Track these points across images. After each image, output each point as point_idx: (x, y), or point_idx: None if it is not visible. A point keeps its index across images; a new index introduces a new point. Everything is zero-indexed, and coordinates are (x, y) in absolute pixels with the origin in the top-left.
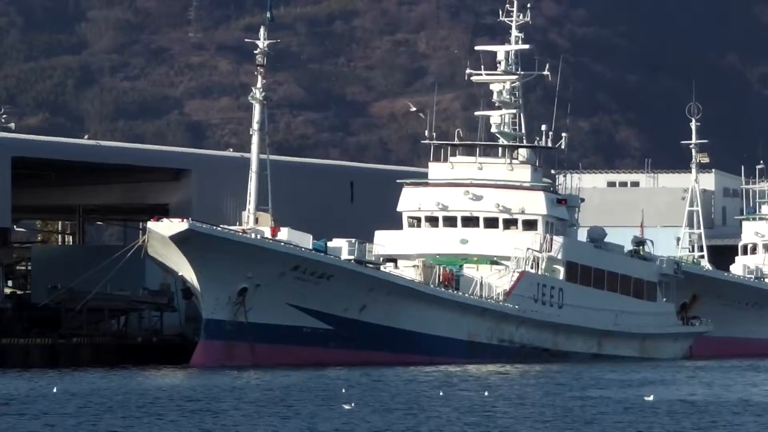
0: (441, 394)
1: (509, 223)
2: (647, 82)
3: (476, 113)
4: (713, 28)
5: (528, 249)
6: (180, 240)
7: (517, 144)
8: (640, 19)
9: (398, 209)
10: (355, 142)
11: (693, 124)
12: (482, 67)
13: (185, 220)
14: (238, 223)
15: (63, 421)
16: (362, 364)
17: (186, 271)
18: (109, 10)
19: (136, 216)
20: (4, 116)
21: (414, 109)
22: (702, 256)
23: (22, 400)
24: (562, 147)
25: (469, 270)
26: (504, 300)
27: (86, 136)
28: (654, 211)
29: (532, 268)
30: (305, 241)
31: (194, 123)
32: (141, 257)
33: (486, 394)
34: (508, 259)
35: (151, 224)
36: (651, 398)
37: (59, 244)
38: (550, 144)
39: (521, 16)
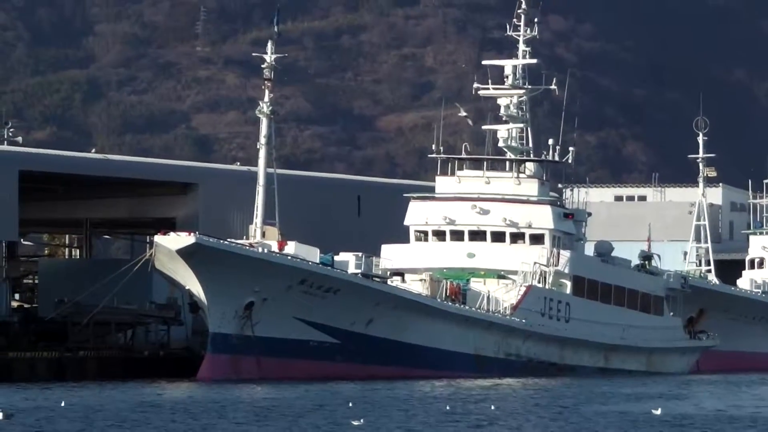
0: (447, 408)
1: (516, 237)
2: (654, 96)
3: (483, 127)
4: (720, 42)
5: (535, 263)
6: (187, 254)
7: (525, 158)
8: (646, 33)
9: (405, 223)
10: (361, 156)
11: (700, 138)
12: (489, 81)
13: (192, 233)
14: (245, 237)
15: None
16: (369, 378)
17: (193, 284)
18: (117, 24)
19: (143, 230)
20: (11, 130)
21: (464, 114)
22: (709, 271)
23: (32, 412)
24: (569, 161)
25: (476, 284)
26: (511, 314)
27: (93, 150)
28: (661, 225)
29: (539, 282)
30: (312, 254)
31: (201, 137)
32: (148, 271)
33: (493, 407)
34: (515, 273)
35: (158, 238)
36: (659, 412)
37: (66, 257)
38: (557, 158)
39: (528, 31)
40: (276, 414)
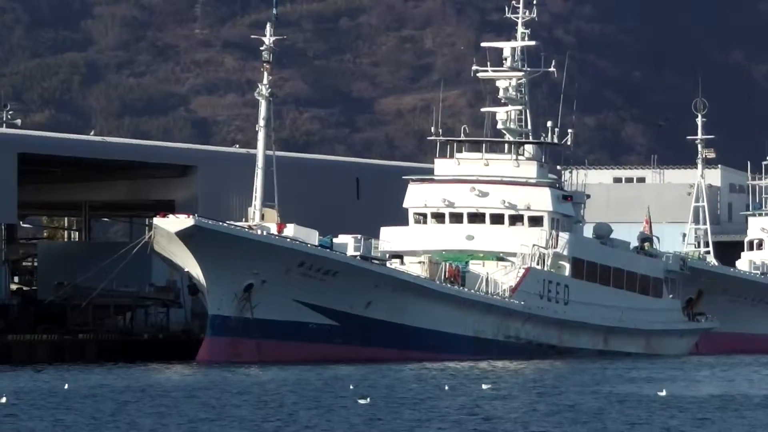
0: (447, 388)
1: (515, 220)
2: (652, 78)
3: (482, 109)
4: (718, 24)
5: (534, 245)
6: (186, 236)
7: (523, 140)
8: (644, 15)
9: (404, 205)
10: (360, 139)
11: (699, 120)
12: (488, 63)
13: (191, 216)
14: (243, 220)
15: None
16: (368, 360)
17: (192, 267)
18: (115, 7)
19: (142, 212)
20: (10, 113)
21: (663, 123)
22: (708, 252)
23: (38, 396)
24: (568, 143)
25: (474, 266)
26: (510, 296)
27: (92, 133)
28: (660, 207)
29: (537, 264)
30: (311, 237)
31: (200, 119)
32: (147, 253)
33: (484, 387)
34: (514, 255)
35: (156, 220)
36: (663, 393)
37: (65, 240)
38: (556, 140)
39: (527, 13)
40: (281, 394)
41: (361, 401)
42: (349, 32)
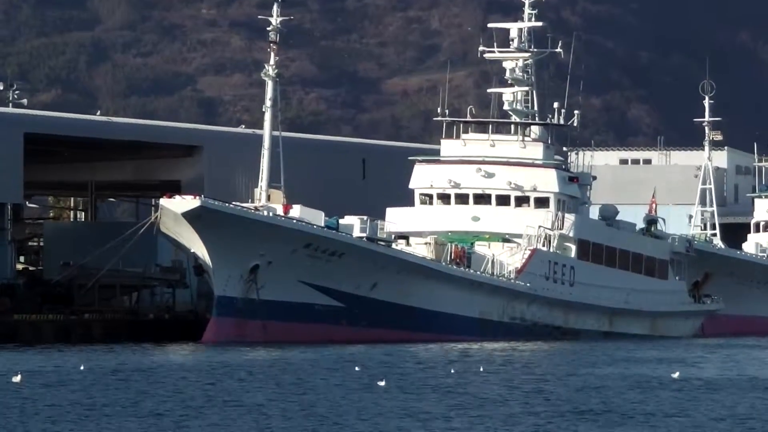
0: (453, 371)
1: (521, 201)
2: (659, 60)
3: (489, 90)
4: (724, 5)
5: (540, 227)
6: (192, 217)
7: (530, 121)
8: None
9: (410, 186)
10: (367, 119)
11: (706, 102)
12: (495, 44)
13: (197, 197)
14: (250, 200)
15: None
16: (374, 341)
17: (198, 247)
18: None
19: (148, 192)
20: (16, 92)
21: None
22: (714, 234)
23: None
24: (575, 124)
25: (480, 247)
26: (515, 278)
27: (98, 113)
28: (666, 188)
29: (543, 245)
30: (317, 218)
31: (207, 99)
32: (153, 234)
33: (481, 369)
34: (519, 236)
35: (163, 201)
36: (677, 375)
37: (71, 220)
38: (562, 121)
39: None
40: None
41: (380, 383)
42: (356, 12)
